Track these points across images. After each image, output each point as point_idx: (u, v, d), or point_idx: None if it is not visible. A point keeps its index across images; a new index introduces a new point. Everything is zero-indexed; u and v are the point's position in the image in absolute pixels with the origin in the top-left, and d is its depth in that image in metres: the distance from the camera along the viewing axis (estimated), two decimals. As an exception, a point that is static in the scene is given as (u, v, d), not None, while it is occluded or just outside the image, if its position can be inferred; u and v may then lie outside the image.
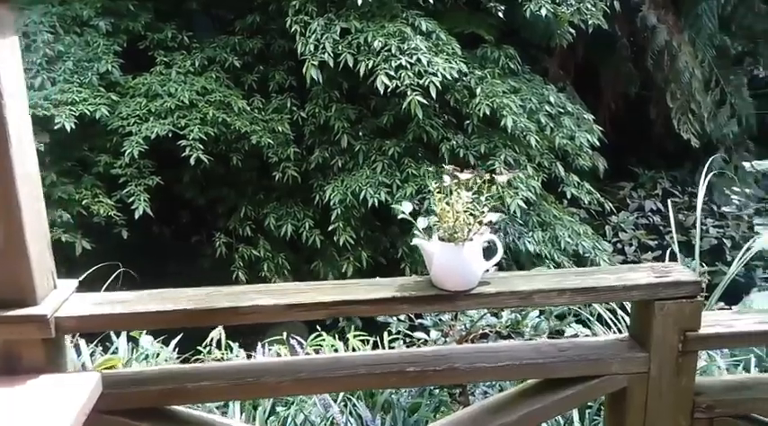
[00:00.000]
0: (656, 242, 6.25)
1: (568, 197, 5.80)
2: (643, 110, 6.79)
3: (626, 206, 6.64)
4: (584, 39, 6.01)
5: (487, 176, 1.86)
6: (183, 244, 6.49)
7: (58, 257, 5.03)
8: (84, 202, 5.20)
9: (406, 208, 2.01)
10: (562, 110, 5.86)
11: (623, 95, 6.69)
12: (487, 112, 5.44)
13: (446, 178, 1.83)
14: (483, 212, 1.83)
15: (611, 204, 5.98)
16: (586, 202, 5.80)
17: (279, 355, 3.09)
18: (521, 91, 5.84)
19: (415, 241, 1.85)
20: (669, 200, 5.39)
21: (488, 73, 5.75)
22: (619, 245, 6.17)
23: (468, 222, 1.80)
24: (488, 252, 1.90)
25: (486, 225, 1.89)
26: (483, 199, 1.82)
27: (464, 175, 1.81)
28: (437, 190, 1.82)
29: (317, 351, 3.13)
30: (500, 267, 5.65)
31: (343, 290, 1.82)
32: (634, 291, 1.88)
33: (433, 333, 2.49)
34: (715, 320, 1.98)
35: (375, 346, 3.05)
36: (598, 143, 5.85)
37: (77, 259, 5.34)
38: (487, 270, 1.90)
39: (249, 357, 3.25)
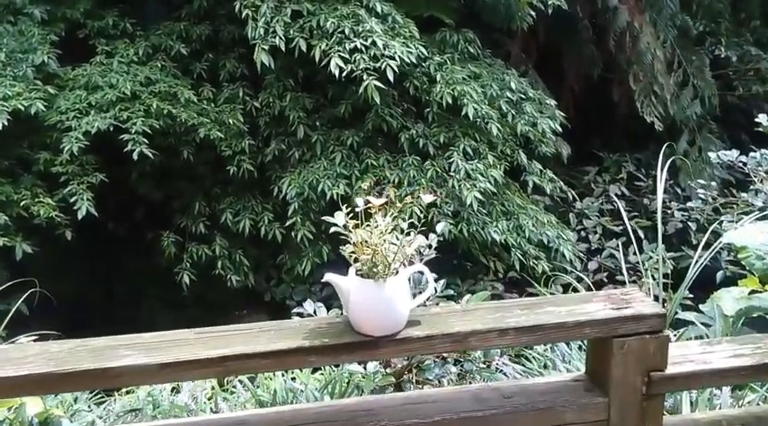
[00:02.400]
0: (620, 227, 5.95)
1: (530, 186, 5.47)
2: (606, 93, 6.46)
3: (591, 191, 6.33)
4: (545, 21, 5.64)
5: (408, 199, 1.48)
6: (138, 241, 6.05)
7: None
8: (23, 203, 4.75)
9: (338, 219, 1.65)
10: (524, 97, 5.50)
11: (586, 77, 6.34)
12: (449, 100, 5.08)
13: (359, 202, 1.46)
14: (408, 239, 1.46)
15: (573, 192, 5.66)
16: (548, 191, 5.47)
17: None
18: (481, 77, 5.47)
19: (326, 276, 1.48)
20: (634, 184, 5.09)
21: (448, 58, 5.37)
22: (583, 233, 5.85)
23: (387, 254, 1.43)
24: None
25: (417, 251, 1.54)
26: (405, 224, 1.45)
27: (378, 200, 1.43)
28: (349, 215, 1.44)
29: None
30: (467, 256, 5.37)
31: (239, 340, 1.45)
32: (588, 328, 1.54)
33: (371, 364, 2.14)
34: (683, 355, 1.65)
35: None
36: (560, 129, 5.51)
37: (20, 263, 4.92)
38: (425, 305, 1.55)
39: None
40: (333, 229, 1.48)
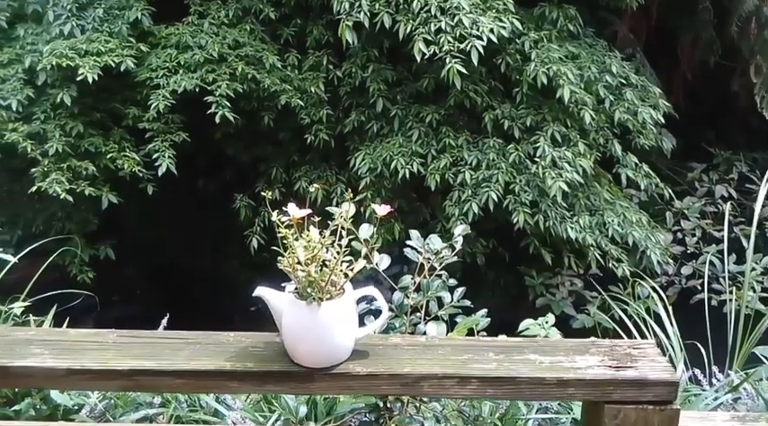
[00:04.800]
0: (723, 233, 5.28)
1: (624, 180, 4.93)
2: (723, 82, 5.69)
3: (694, 190, 5.65)
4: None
5: (347, 207, 1.21)
6: (225, 200, 6.09)
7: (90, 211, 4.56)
8: (109, 156, 4.85)
9: (364, 232, 1.44)
10: (625, 82, 4.93)
11: (701, 64, 5.60)
12: (544, 80, 4.62)
13: (291, 209, 1.20)
14: (347, 258, 1.20)
15: (670, 191, 5.05)
16: (643, 187, 4.91)
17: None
18: (579, 57, 4.96)
19: (258, 290, 1.24)
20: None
21: (545, 35, 4.89)
22: (679, 235, 5.24)
23: (322, 275, 1.17)
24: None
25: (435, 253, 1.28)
26: (344, 241, 1.18)
27: (300, 211, 1.17)
28: (280, 223, 1.19)
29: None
30: (530, 255, 4.94)
31: (157, 352, 1.25)
32: (572, 388, 1.21)
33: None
34: (703, 433, 1.29)
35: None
36: (663, 120, 4.90)
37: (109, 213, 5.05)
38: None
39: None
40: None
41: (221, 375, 1.21)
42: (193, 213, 5.91)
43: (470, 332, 1.77)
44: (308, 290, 1.18)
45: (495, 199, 4.56)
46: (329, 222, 1.24)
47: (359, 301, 1.33)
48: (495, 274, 5.52)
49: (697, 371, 2.53)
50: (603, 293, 4.62)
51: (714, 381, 2.45)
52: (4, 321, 2.68)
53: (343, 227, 1.19)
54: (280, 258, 1.21)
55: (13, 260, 3.11)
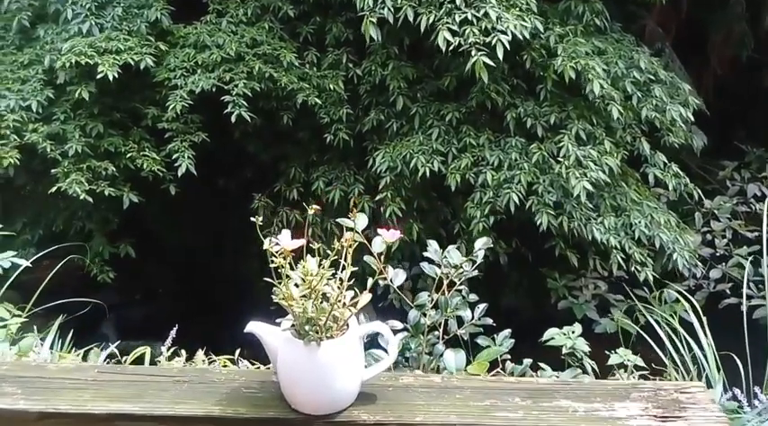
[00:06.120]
0: (756, 234, 5.01)
1: (651, 180, 4.69)
2: (755, 77, 5.40)
3: (725, 189, 5.38)
4: (690, -8, 4.75)
5: (349, 236, 1.03)
6: (245, 199, 5.97)
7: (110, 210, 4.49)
8: (129, 156, 4.74)
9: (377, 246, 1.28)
10: (653, 78, 4.68)
11: (733, 59, 5.31)
12: (572, 75, 4.38)
13: (284, 238, 1.03)
14: (351, 294, 1.02)
15: (699, 191, 4.79)
16: (671, 187, 4.66)
17: None
18: (606, 53, 4.72)
19: (250, 326, 1.08)
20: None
21: (570, 30, 4.66)
22: (709, 236, 4.99)
23: (321, 311, 1.00)
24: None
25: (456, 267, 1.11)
26: (346, 272, 1.01)
27: (293, 242, 1.00)
28: (272, 251, 1.02)
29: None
30: (554, 256, 4.73)
31: (140, 391, 1.09)
32: (611, 444, 1.03)
33: None
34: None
35: None
36: (692, 118, 4.65)
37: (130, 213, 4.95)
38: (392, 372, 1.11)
39: None
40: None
41: (209, 421, 1.05)
42: (214, 212, 5.80)
43: (494, 363, 1.59)
44: (306, 328, 1.01)
45: (517, 201, 4.36)
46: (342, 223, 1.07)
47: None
48: (517, 274, 5.32)
49: (736, 391, 2.31)
50: (631, 297, 4.42)
51: (756, 402, 2.23)
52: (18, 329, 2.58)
53: (346, 256, 1.01)
54: (275, 289, 1.05)
55: (25, 263, 3.01)
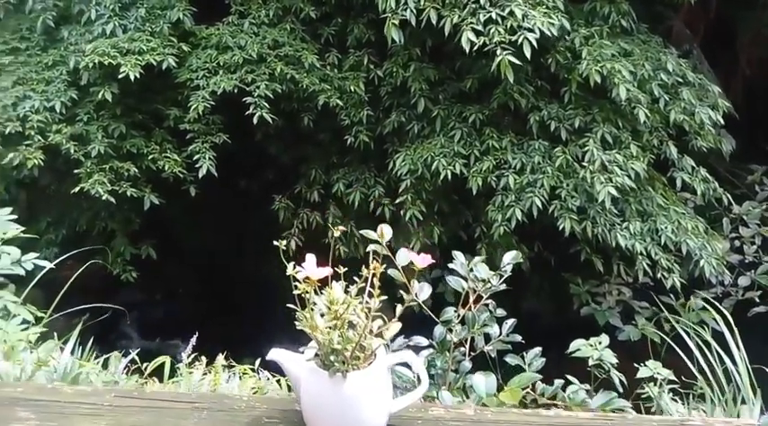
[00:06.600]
0: (785, 241, 4.87)
1: (678, 184, 4.57)
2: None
3: (754, 194, 5.24)
4: (719, -8, 4.61)
5: (375, 266, 0.97)
6: (267, 200, 5.93)
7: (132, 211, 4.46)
8: (150, 157, 4.72)
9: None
10: (681, 80, 4.56)
11: (763, 61, 5.16)
12: (597, 79, 4.28)
13: (309, 264, 0.97)
14: (378, 323, 0.96)
15: (728, 196, 4.66)
16: (699, 192, 4.54)
17: None
18: (632, 55, 4.60)
19: (272, 354, 1.02)
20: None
21: (596, 31, 4.55)
22: (737, 243, 4.85)
23: (347, 341, 0.94)
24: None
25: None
26: (375, 300, 0.95)
27: (318, 271, 0.94)
28: (296, 279, 0.96)
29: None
30: (578, 261, 4.64)
31: (155, 419, 1.04)
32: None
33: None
34: None
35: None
36: (722, 121, 4.52)
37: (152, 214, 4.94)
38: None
39: None
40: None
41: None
42: (234, 214, 5.77)
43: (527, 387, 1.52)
44: (331, 359, 0.95)
45: (540, 206, 4.26)
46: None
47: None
48: (539, 278, 5.23)
49: (772, 410, 2.21)
50: (657, 304, 4.31)
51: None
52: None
53: (373, 283, 0.95)
54: (298, 315, 0.99)
55: (49, 265, 3.00)
